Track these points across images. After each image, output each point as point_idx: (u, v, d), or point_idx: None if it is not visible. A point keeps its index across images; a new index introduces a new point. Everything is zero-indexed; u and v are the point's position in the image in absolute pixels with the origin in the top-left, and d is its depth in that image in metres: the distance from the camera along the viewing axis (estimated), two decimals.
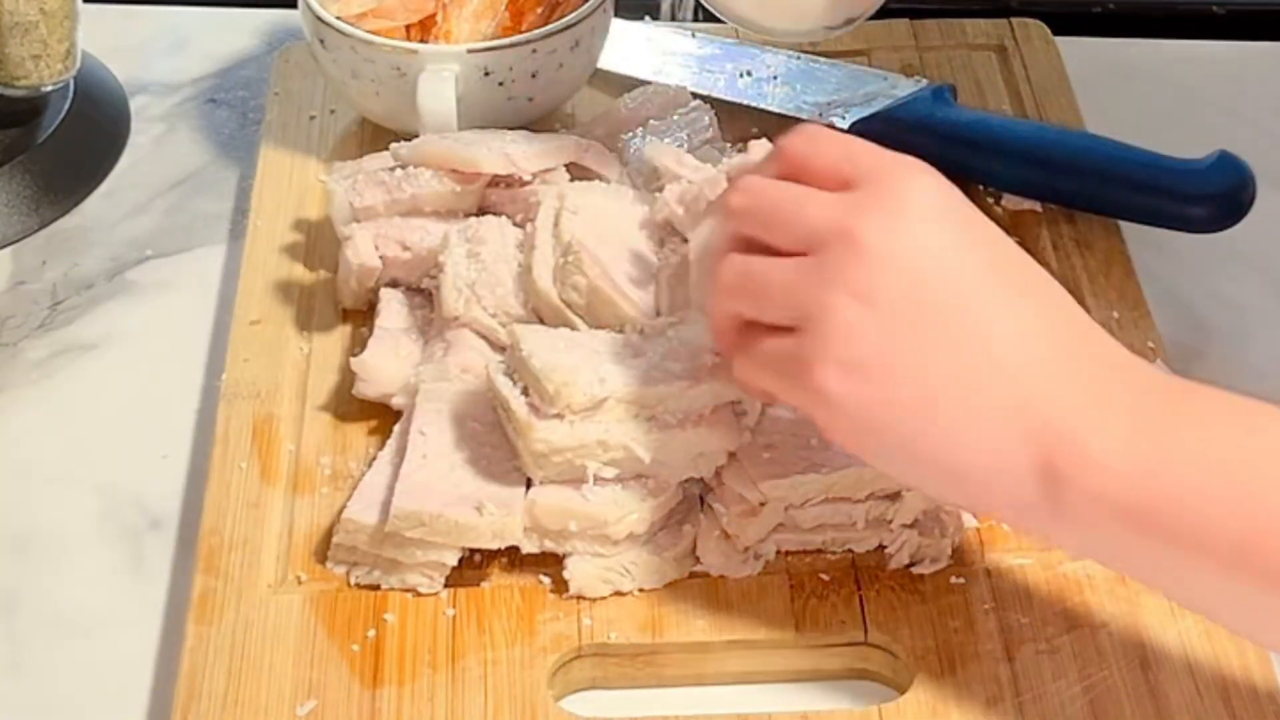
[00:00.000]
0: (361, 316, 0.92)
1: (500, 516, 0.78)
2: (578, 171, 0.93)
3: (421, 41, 0.99)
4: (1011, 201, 0.98)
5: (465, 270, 0.86)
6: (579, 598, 0.79)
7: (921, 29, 1.11)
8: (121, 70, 1.11)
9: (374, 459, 0.82)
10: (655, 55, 1.07)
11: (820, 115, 1.02)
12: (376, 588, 0.79)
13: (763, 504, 0.79)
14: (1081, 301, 0.91)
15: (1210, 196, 0.95)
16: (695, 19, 1.15)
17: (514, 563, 0.80)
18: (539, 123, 0.99)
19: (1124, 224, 0.97)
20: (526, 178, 0.92)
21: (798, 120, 1.03)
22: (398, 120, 0.98)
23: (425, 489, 0.78)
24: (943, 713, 0.75)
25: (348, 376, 0.87)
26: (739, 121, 1.03)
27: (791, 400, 0.73)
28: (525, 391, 0.79)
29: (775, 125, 1.03)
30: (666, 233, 0.87)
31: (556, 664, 0.77)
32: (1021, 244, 0.94)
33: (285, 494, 0.83)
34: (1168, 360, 0.89)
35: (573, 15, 0.98)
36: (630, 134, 0.98)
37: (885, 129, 1.01)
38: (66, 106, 1.05)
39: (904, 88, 1.03)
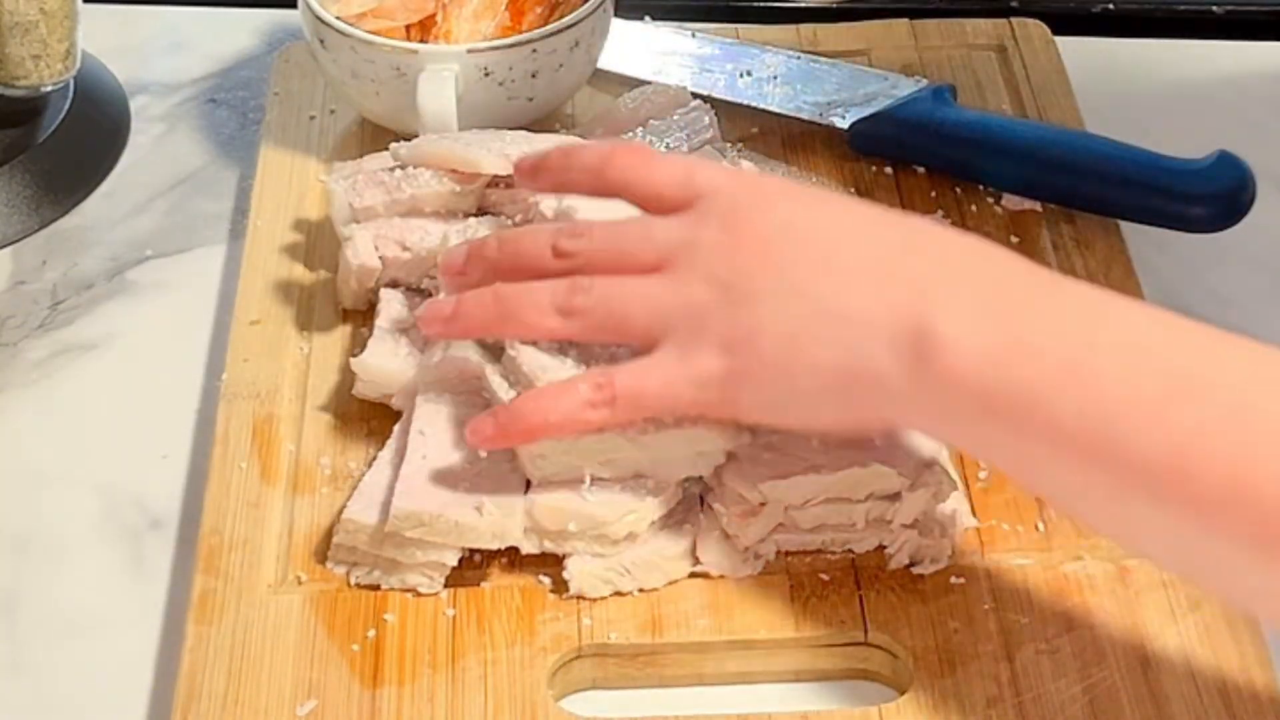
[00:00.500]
0: (361, 316, 0.92)
1: (500, 517, 0.78)
2: None
3: (421, 41, 0.99)
4: (1011, 201, 0.98)
5: None
6: (579, 598, 0.79)
7: (921, 29, 1.11)
8: (121, 70, 1.11)
9: (374, 459, 0.82)
10: (655, 55, 1.07)
11: (820, 115, 1.02)
12: (376, 588, 0.79)
13: (763, 504, 0.79)
14: None
15: (1210, 196, 0.95)
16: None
17: (514, 563, 0.80)
18: (539, 123, 0.99)
19: (1124, 224, 0.97)
20: None
21: (798, 120, 1.03)
22: (398, 120, 0.98)
23: (425, 489, 0.78)
24: (943, 713, 0.75)
25: (348, 376, 0.87)
26: (739, 121, 1.03)
27: (679, 400, 0.75)
28: (521, 393, 0.79)
29: (775, 125, 1.03)
30: None
31: (556, 664, 0.77)
32: (1021, 244, 0.96)
33: (285, 494, 0.83)
34: None
35: (573, 15, 0.98)
36: (630, 134, 0.98)
37: (885, 129, 1.01)
38: (66, 106, 1.05)
39: (904, 88, 1.03)
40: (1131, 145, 0.97)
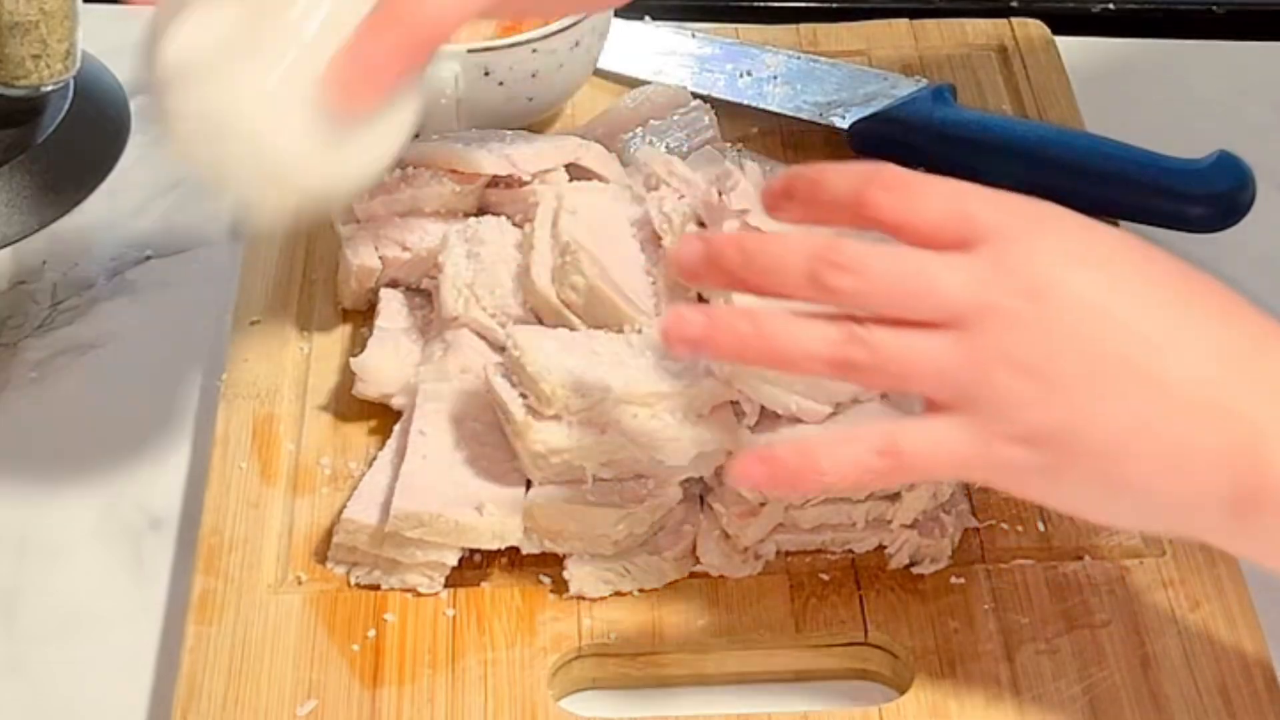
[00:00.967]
0: (361, 316, 0.92)
1: (500, 517, 0.78)
2: (577, 172, 0.93)
3: None
4: None
5: (464, 271, 0.86)
6: (579, 598, 0.79)
7: (921, 29, 1.11)
8: (121, 70, 1.10)
9: (374, 459, 0.82)
10: (655, 55, 1.07)
11: (820, 115, 1.02)
12: (376, 588, 0.79)
13: (763, 504, 0.79)
14: None
15: (1210, 196, 0.95)
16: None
17: (514, 563, 0.80)
18: (539, 123, 0.99)
19: (1124, 224, 0.97)
20: (526, 178, 0.92)
21: (798, 120, 1.03)
22: None
23: (425, 489, 0.78)
24: (943, 713, 0.75)
25: (348, 376, 0.87)
26: (739, 121, 1.03)
27: (968, 476, 0.71)
28: (523, 393, 0.79)
29: (775, 125, 1.03)
30: (664, 232, 0.87)
31: (556, 664, 0.77)
32: None
33: (285, 494, 0.83)
34: None
35: (573, 15, 0.97)
36: (630, 134, 0.98)
37: (885, 129, 1.01)
38: (66, 106, 1.04)
39: (904, 88, 1.03)
40: (1131, 145, 0.97)
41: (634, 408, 0.78)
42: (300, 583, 0.80)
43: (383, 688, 0.76)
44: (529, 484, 0.79)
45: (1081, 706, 0.75)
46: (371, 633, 0.78)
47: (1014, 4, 1.15)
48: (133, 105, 1.09)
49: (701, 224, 0.86)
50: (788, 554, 0.81)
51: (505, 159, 0.91)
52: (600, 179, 0.93)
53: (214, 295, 0.97)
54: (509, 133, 0.94)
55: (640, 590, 0.79)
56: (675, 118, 0.99)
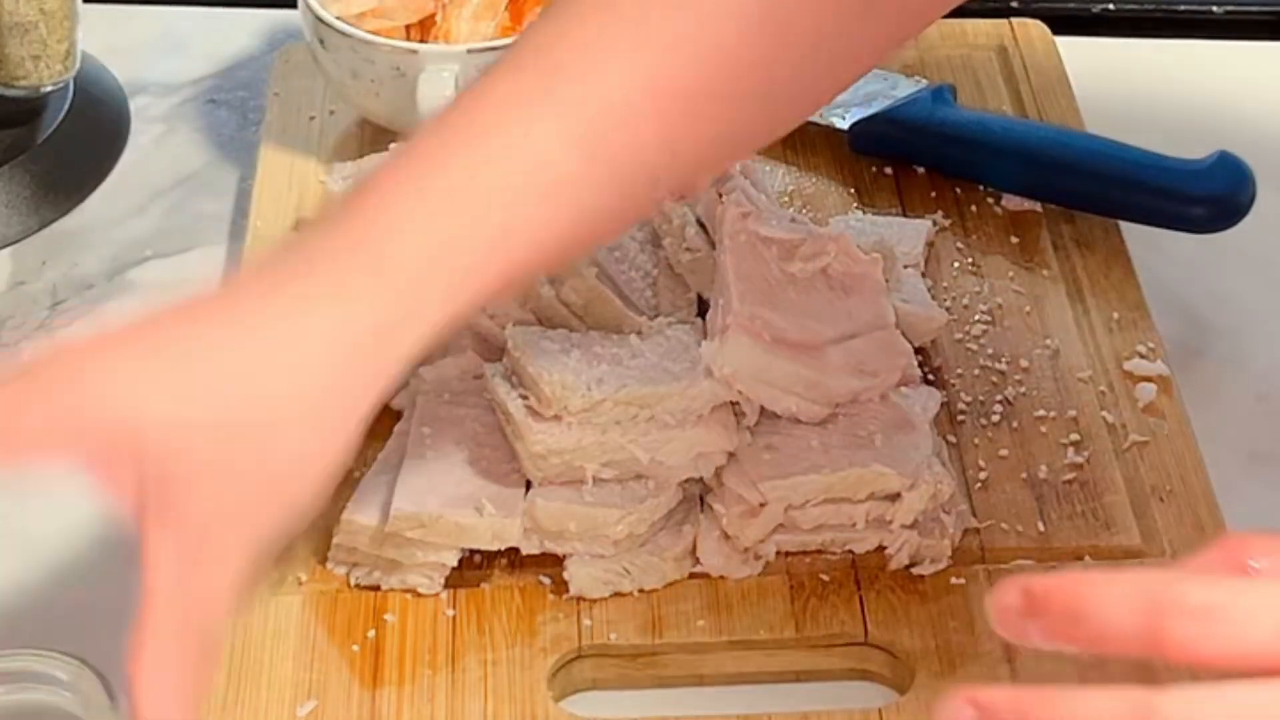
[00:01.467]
0: None
1: (500, 517, 0.78)
2: None
3: (421, 41, 0.99)
4: (1011, 201, 0.98)
5: None
6: (579, 598, 0.79)
7: None
8: (121, 70, 1.10)
9: (374, 459, 0.82)
10: None
11: (820, 115, 1.02)
12: (376, 588, 0.79)
13: (763, 504, 0.78)
14: (1081, 302, 0.92)
15: (1210, 196, 0.95)
16: None
17: (514, 563, 0.80)
18: None
19: (1124, 224, 0.97)
20: None
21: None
22: (398, 120, 0.98)
23: (425, 490, 0.78)
24: None
25: None
26: None
27: None
28: (523, 394, 0.79)
29: None
30: (664, 233, 0.87)
31: (556, 665, 0.77)
32: (1021, 244, 0.96)
33: None
34: (1168, 360, 0.89)
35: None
36: None
37: (885, 129, 1.01)
38: (66, 106, 1.04)
39: (904, 88, 1.03)
40: (1131, 145, 0.97)
41: (633, 408, 0.78)
42: (300, 583, 0.80)
43: (383, 688, 0.76)
44: (529, 484, 0.79)
45: None
46: (371, 633, 0.78)
47: (1014, 4, 1.15)
48: (133, 105, 1.09)
49: (701, 224, 0.86)
50: (788, 554, 0.80)
51: None
52: None
53: None
54: None
55: (640, 590, 0.79)
56: None
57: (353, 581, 0.79)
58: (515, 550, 0.79)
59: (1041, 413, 0.86)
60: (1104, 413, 0.86)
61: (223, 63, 1.13)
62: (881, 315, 0.83)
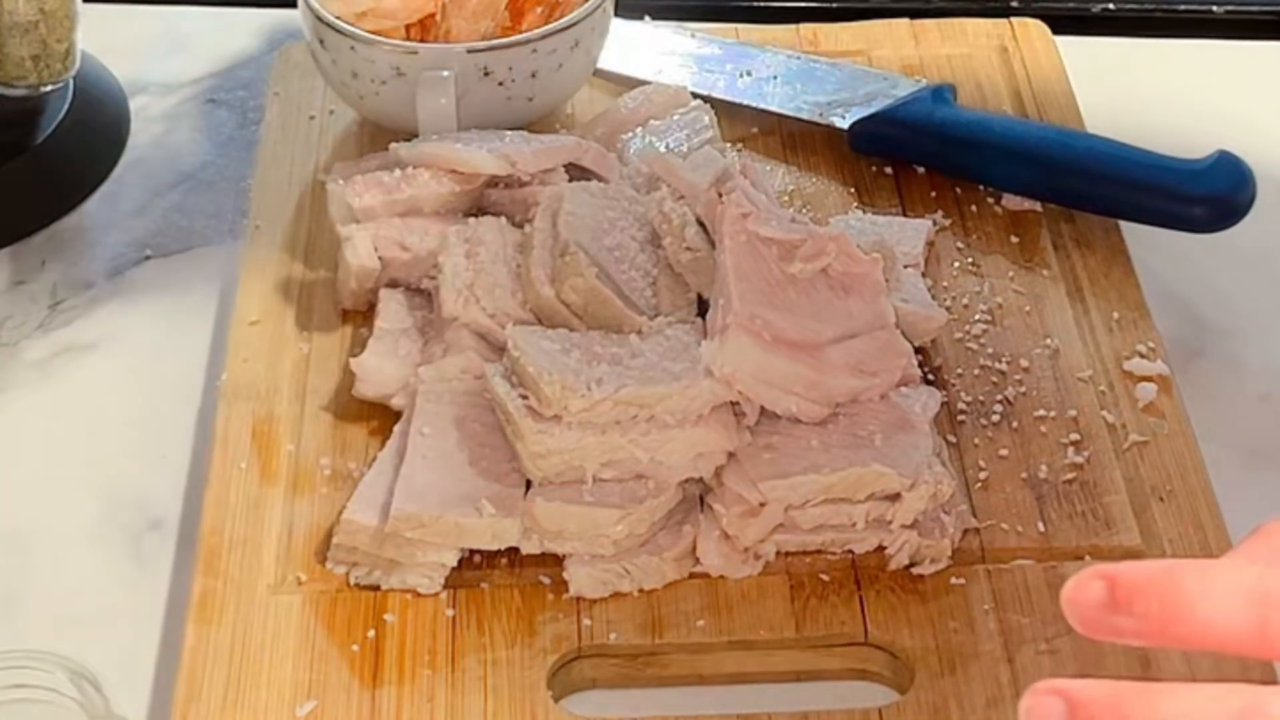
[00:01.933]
0: (361, 316, 0.92)
1: (500, 517, 0.78)
2: (577, 172, 0.93)
3: (421, 41, 0.99)
4: (1011, 201, 0.98)
5: (464, 271, 0.86)
6: (579, 598, 0.79)
7: (921, 29, 1.11)
8: (121, 70, 1.10)
9: (374, 459, 0.82)
10: (655, 55, 1.07)
11: (820, 115, 1.02)
12: (376, 588, 0.79)
13: (763, 504, 0.79)
14: (1081, 301, 0.92)
15: (1210, 196, 0.95)
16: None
17: (514, 563, 0.80)
18: (539, 123, 0.99)
19: (1124, 224, 0.97)
20: (525, 178, 0.92)
21: (798, 120, 1.03)
22: (398, 120, 0.98)
23: (425, 490, 0.78)
24: (943, 713, 0.75)
25: (348, 376, 0.87)
26: (739, 121, 1.03)
27: None
28: (523, 394, 0.79)
29: (775, 125, 1.03)
30: (664, 233, 0.87)
31: (556, 664, 0.77)
32: (1021, 244, 0.96)
33: (285, 494, 0.83)
34: (1168, 360, 0.89)
35: (573, 15, 0.98)
36: (630, 134, 0.98)
37: (885, 129, 1.01)
38: (66, 106, 1.04)
39: (904, 88, 1.03)
40: (1131, 145, 0.97)
41: (633, 408, 0.78)
42: (300, 583, 0.80)
43: (382, 688, 0.76)
44: (529, 484, 0.79)
45: None
46: (371, 633, 0.78)
47: (1014, 4, 1.15)
48: (133, 105, 1.09)
49: (701, 224, 0.86)
50: (788, 554, 0.81)
51: (505, 159, 0.91)
52: (600, 179, 0.93)
53: (214, 295, 0.97)
54: (509, 133, 0.94)
55: (640, 590, 0.79)
56: (675, 118, 0.99)
57: (353, 581, 0.79)
58: (515, 550, 0.79)
59: (1041, 412, 0.87)
60: (1104, 412, 0.87)
61: (223, 62, 1.13)
62: (881, 315, 0.83)
